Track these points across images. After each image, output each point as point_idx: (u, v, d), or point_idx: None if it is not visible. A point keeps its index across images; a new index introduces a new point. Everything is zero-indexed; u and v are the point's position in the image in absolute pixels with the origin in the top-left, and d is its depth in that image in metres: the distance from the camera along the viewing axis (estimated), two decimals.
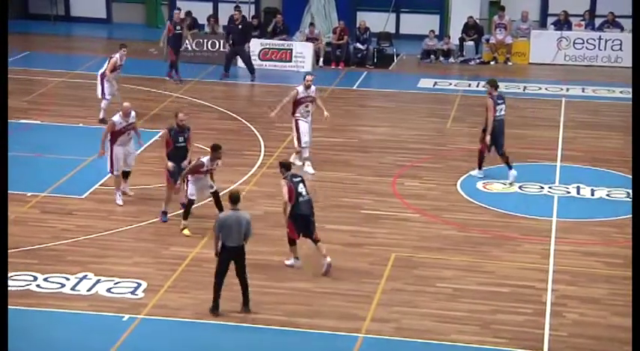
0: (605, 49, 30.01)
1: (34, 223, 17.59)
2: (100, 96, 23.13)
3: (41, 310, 14.47)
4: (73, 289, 15.14)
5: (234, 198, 14.34)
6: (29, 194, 18.74)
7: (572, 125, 24.02)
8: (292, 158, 20.23)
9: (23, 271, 15.55)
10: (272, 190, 18.56)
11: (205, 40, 29.76)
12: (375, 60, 30.20)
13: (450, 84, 27.92)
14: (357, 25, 30.89)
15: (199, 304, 14.57)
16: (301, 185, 15.68)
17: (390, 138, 22.81)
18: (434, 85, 27.77)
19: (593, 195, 19.39)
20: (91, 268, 15.80)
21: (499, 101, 19.69)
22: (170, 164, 17.51)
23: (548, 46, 30.21)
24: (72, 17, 35.21)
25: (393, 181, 19.96)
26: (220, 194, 17.23)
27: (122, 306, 14.62)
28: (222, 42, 29.17)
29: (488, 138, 19.53)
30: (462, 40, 30.63)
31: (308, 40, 29.94)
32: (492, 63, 30.28)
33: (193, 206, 17.39)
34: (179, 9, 28.58)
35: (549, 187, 19.67)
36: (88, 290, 15.11)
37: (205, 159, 16.98)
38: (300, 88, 20.17)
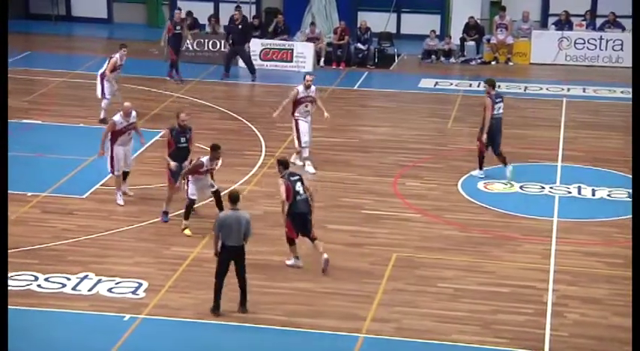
0: (606, 49, 30.01)
1: (35, 223, 17.59)
2: (100, 96, 23.14)
3: (42, 310, 14.47)
4: (73, 289, 15.14)
5: (234, 197, 14.35)
6: (30, 194, 18.73)
7: (573, 125, 24.02)
8: (293, 158, 20.26)
9: (24, 271, 15.55)
10: (272, 190, 18.53)
11: (206, 40, 29.77)
12: (376, 60, 30.19)
13: (451, 84, 27.92)
14: (358, 25, 30.89)
15: (200, 304, 14.58)
16: (299, 184, 15.72)
17: (391, 138, 22.82)
18: (435, 85, 27.77)
19: (594, 195, 19.39)
20: (92, 268, 15.81)
21: (497, 100, 19.77)
22: (173, 164, 17.51)
23: (549, 46, 30.20)
24: (73, 17, 35.22)
25: (393, 181, 19.96)
26: (222, 194, 17.23)
27: (123, 306, 14.62)
28: (223, 42, 29.17)
29: (484, 136, 19.60)
30: (462, 40, 30.63)
31: (309, 40, 29.93)
32: (493, 63, 30.28)
33: (194, 206, 17.41)
34: (179, 9, 28.60)
35: (550, 187, 19.67)
36: (89, 290, 15.11)
37: (205, 159, 16.99)
38: (300, 88, 20.18)
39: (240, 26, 28.02)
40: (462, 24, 30.93)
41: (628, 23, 29.42)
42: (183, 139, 17.68)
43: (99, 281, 15.36)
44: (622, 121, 23.82)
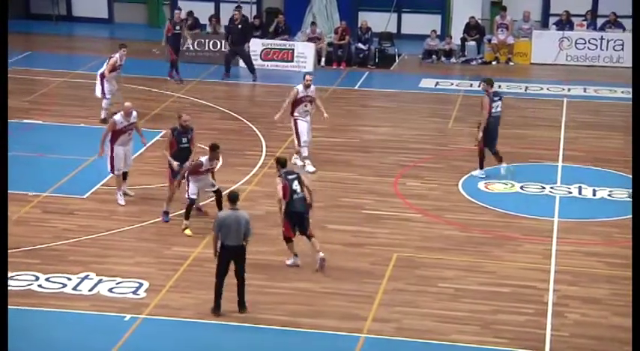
0: (606, 49, 30.01)
1: (36, 223, 17.59)
2: (100, 95, 23.15)
3: (43, 310, 14.47)
4: (74, 289, 15.15)
5: (233, 197, 14.36)
6: (31, 194, 18.74)
7: (573, 125, 24.02)
8: (293, 159, 20.27)
9: (25, 271, 15.56)
10: (273, 190, 18.35)
11: (207, 40, 29.77)
12: (377, 60, 30.19)
13: (452, 84, 27.92)
14: (359, 25, 30.88)
15: (201, 304, 14.58)
16: (296, 182, 15.76)
17: (391, 138, 22.82)
18: (435, 85, 27.77)
19: (594, 195, 19.39)
20: (93, 268, 15.81)
21: (495, 98, 19.80)
22: (175, 164, 17.52)
23: (549, 47, 30.20)
24: (74, 17, 35.22)
25: (394, 181, 19.96)
26: (223, 194, 17.24)
27: (124, 306, 14.63)
28: (223, 42, 29.16)
29: (480, 134, 19.63)
30: (463, 40, 30.62)
31: (310, 40, 29.93)
32: (494, 63, 30.28)
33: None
34: (179, 9, 28.61)
35: (551, 188, 19.67)
36: (89, 290, 15.12)
37: (204, 159, 17.01)
38: (300, 88, 20.20)
39: (239, 26, 28.02)
40: (462, 24, 30.93)
41: (629, 23, 29.41)
42: (184, 140, 17.70)
43: (100, 281, 15.36)
44: (623, 121, 23.81)
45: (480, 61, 30.38)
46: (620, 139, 22.66)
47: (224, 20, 30.63)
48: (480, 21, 31.08)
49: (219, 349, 13.78)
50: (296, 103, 20.19)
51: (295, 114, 20.23)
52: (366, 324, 14.22)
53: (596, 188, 19.65)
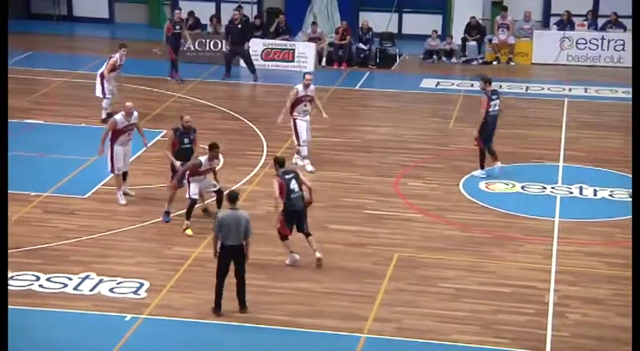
0: (607, 49, 30.00)
1: (37, 223, 17.59)
2: (100, 95, 23.16)
3: (43, 310, 14.47)
4: (75, 289, 15.15)
5: (233, 197, 14.36)
6: (32, 194, 18.74)
7: (574, 125, 24.01)
8: (294, 159, 20.27)
9: (25, 271, 15.56)
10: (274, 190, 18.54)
11: (207, 40, 29.77)
12: (378, 60, 30.19)
13: (453, 84, 27.92)
14: (360, 25, 30.88)
15: (202, 304, 14.58)
16: (293, 181, 15.80)
17: (392, 138, 22.82)
18: (436, 85, 27.77)
19: (595, 195, 19.39)
20: (94, 268, 15.81)
21: (493, 97, 19.82)
22: (178, 163, 17.53)
23: (550, 46, 30.19)
24: (74, 17, 35.21)
25: (395, 181, 19.96)
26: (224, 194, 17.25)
27: (125, 306, 14.63)
28: (224, 42, 29.16)
29: (475, 132, 19.65)
30: (464, 40, 30.62)
31: (310, 40, 29.94)
32: (495, 63, 30.27)
33: (196, 206, 17.41)
34: (180, 9, 28.61)
35: (552, 188, 19.67)
36: (90, 290, 15.12)
37: (203, 158, 17.01)
38: (300, 87, 20.21)
39: (239, 26, 28.02)
40: (463, 24, 30.91)
41: (630, 23, 29.39)
42: (187, 140, 17.72)
43: (100, 281, 15.37)
44: (624, 121, 23.78)
45: (480, 61, 30.38)
46: (621, 139, 22.66)
47: (225, 20, 30.62)
48: (480, 21, 31.07)
49: (220, 349, 13.78)
50: (296, 102, 20.20)
51: (295, 113, 20.24)
52: (367, 324, 14.22)
53: (597, 188, 19.65)
